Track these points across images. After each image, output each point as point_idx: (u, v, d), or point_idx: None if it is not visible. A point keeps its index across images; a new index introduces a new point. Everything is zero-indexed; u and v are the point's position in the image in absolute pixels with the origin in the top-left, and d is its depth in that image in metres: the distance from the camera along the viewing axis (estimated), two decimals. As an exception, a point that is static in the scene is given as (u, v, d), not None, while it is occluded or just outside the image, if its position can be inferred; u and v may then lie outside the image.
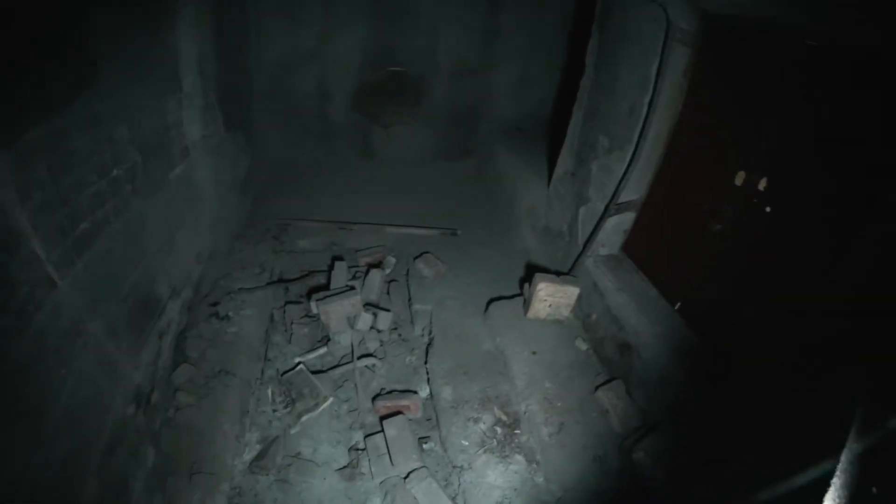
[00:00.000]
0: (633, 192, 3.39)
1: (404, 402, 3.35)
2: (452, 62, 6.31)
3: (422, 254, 4.71)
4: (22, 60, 1.86)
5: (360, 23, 5.88)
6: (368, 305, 4.01)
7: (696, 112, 3.08)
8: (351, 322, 3.76)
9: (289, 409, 3.28)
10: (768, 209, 2.52)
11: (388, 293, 4.36)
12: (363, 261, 4.71)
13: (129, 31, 2.71)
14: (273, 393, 3.42)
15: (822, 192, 2.26)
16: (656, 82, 3.07)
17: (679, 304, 3.14)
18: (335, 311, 3.63)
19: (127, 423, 2.59)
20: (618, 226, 3.57)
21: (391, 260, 4.66)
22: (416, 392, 3.52)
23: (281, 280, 4.40)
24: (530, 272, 4.06)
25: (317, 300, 3.70)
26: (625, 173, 3.33)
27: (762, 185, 2.54)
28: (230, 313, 3.69)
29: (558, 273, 3.75)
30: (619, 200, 3.41)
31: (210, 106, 3.88)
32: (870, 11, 1.93)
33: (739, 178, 2.68)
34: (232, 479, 2.88)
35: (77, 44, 2.19)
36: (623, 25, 3.37)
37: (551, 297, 3.56)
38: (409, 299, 4.32)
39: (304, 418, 3.22)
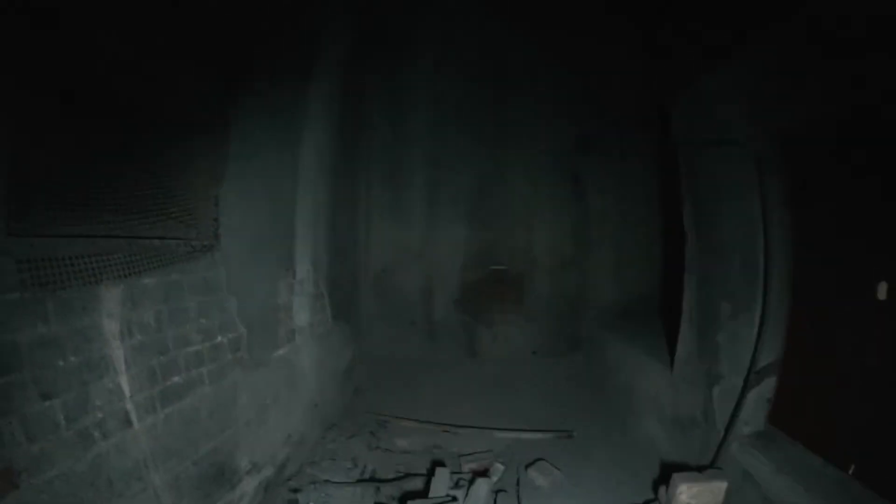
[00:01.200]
0: (770, 352, 2.91)
1: None
2: (550, 254, 6.65)
3: (535, 461, 4.19)
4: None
5: (461, 223, 6.66)
6: None
7: (810, 239, 2.83)
8: None
9: None
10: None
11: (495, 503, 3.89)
12: (467, 467, 4.29)
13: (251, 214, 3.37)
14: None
15: None
16: (765, 225, 2.91)
17: (854, 467, 2.49)
18: None
19: None
20: (759, 396, 2.97)
21: (499, 467, 4.17)
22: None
23: (373, 479, 4.19)
24: (665, 472, 3.36)
25: None
26: (759, 335, 2.93)
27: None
28: None
29: (700, 468, 3.08)
30: (758, 367, 2.96)
31: (320, 295, 4.44)
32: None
33: (882, 291, 2.27)
34: None
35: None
36: (713, 182, 3.35)
37: (695, 499, 2.90)
38: None
39: None
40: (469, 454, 4.51)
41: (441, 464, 4.23)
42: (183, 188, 2.60)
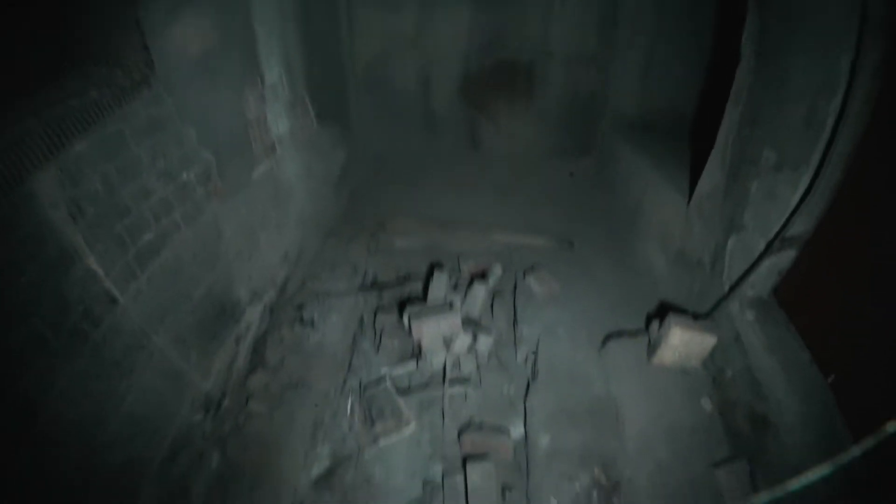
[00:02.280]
0: (805, 223, 2.66)
1: (494, 443, 3.11)
2: (569, 48, 5.74)
3: (534, 267, 4.38)
4: (58, 62, 2.02)
5: (463, 5, 5.60)
6: (468, 322, 3.80)
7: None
8: (446, 342, 3.59)
9: (367, 426, 3.31)
10: None
11: (491, 307, 4.13)
12: (466, 268, 4.53)
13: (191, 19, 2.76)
14: (353, 407, 3.49)
15: None
16: (850, 84, 2.32)
17: (833, 377, 2.52)
18: (430, 330, 3.48)
19: (193, 429, 2.71)
20: (774, 266, 2.85)
21: (497, 270, 4.37)
22: (508, 431, 3.26)
23: (374, 285, 4.44)
24: (661, 309, 3.55)
25: (411, 314, 3.56)
26: (800, 201, 2.64)
27: None
28: (315, 318, 3.77)
29: (695, 315, 3.19)
30: (787, 234, 2.79)
31: (299, 100, 3.98)
32: None
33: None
34: (296, 491, 2.92)
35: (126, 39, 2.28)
36: (797, 3, 2.63)
37: (683, 345, 3.07)
38: (515, 320, 4.03)
39: (381, 442, 3.15)
40: (468, 254, 4.69)
41: (439, 266, 4.43)
42: (88, 22, 2.06)
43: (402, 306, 3.99)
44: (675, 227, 3.91)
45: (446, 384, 3.45)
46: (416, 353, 3.75)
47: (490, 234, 4.91)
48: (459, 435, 3.21)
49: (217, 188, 2.98)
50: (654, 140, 5.17)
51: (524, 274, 4.35)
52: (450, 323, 3.49)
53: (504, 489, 2.96)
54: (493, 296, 4.19)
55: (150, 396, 2.40)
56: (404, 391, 3.53)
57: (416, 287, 4.40)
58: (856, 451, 1.10)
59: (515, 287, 4.31)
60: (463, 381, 3.56)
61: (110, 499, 2.14)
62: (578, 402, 3.22)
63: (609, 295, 4.12)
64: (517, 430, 3.31)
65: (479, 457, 3.04)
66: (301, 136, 4.12)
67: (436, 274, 4.01)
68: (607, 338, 3.59)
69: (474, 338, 3.67)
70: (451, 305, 3.70)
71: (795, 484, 1.08)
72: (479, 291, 4.00)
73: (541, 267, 4.37)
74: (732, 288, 3.10)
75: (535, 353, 3.67)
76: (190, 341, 2.69)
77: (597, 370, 3.43)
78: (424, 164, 6.26)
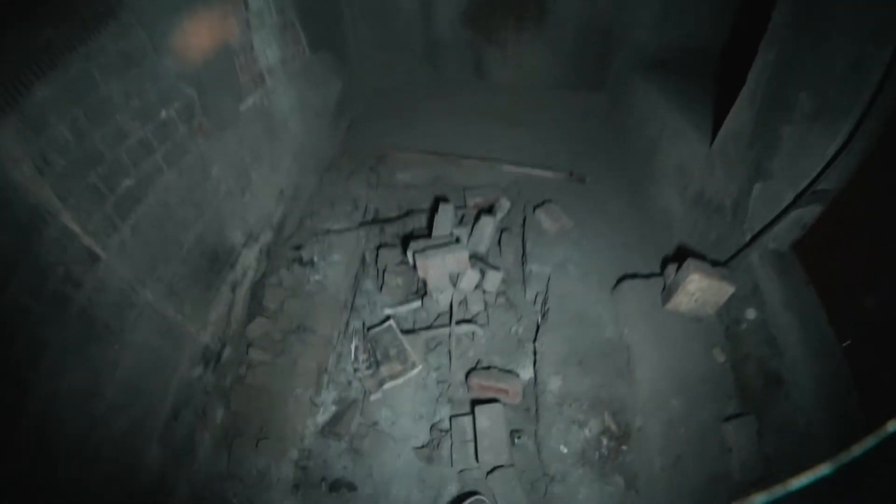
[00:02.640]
0: (834, 178, 2.44)
1: (503, 386, 3.07)
2: None
3: (544, 202, 4.17)
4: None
5: None
6: (475, 258, 3.70)
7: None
8: (453, 279, 3.50)
9: (371, 370, 3.29)
10: None
11: (499, 243, 3.99)
12: (472, 202, 4.35)
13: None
14: (357, 349, 3.47)
15: None
16: None
17: (848, 342, 2.43)
18: (436, 267, 3.35)
19: (193, 385, 2.64)
20: (799, 219, 2.65)
21: (505, 203, 4.21)
22: (517, 374, 3.24)
23: (376, 220, 4.27)
24: (679, 254, 3.34)
25: (415, 250, 3.42)
26: (837, 153, 2.41)
27: None
28: (315, 258, 3.65)
29: (714, 262, 3.01)
30: (818, 187, 2.57)
31: (288, 25, 3.60)
32: None
33: None
34: (302, 440, 2.94)
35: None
36: None
37: (701, 292, 2.95)
38: (524, 256, 3.89)
39: (386, 385, 3.14)
40: (475, 188, 4.48)
41: (444, 199, 4.25)
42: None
43: (405, 242, 3.85)
44: (694, 169, 3.67)
45: (453, 323, 3.39)
46: (421, 291, 3.68)
47: (497, 166, 4.69)
48: (467, 377, 3.19)
49: (201, 125, 2.75)
50: (673, 77, 4.71)
51: (534, 209, 4.17)
52: (457, 258, 3.35)
53: (513, 433, 2.99)
54: (501, 231, 4.05)
55: (146, 357, 2.32)
56: (409, 331, 3.48)
57: (420, 221, 4.26)
58: (856, 450, 1.08)
59: (524, 222, 4.15)
60: (470, 321, 3.50)
61: (113, 466, 2.10)
62: (589, 346, 3.16)
63: (622, 235, 3.96)
64: (526, 373, 3.28)
65: (488, 400, 3.06)
66: (293, 66, 3.80)
67: (441, 207, 3.84)
68: (621, 279, 3.47)
69: (482, 275, 3.56)
70: (457, 240, 3.56)
71: (795, 484, 1.04)
72: (487, 226, 3.86)
73: (551, 202, 4.18)
74: (754, 237, 2.92)
75: (546, 292, 3.58)
76: (183, 293, 2.58)
77: (608, 313, 3.34)
78: (427, 95, 5.85)
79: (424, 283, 3.54)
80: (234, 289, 3.07)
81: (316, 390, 3.13)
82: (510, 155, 4.79)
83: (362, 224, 4.05)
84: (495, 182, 4.55)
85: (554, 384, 3.01)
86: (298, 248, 3.70)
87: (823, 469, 1.02)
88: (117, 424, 2.12)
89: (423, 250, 3.38)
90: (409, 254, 3.48)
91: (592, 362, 3.08)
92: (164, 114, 2.45)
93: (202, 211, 2.76)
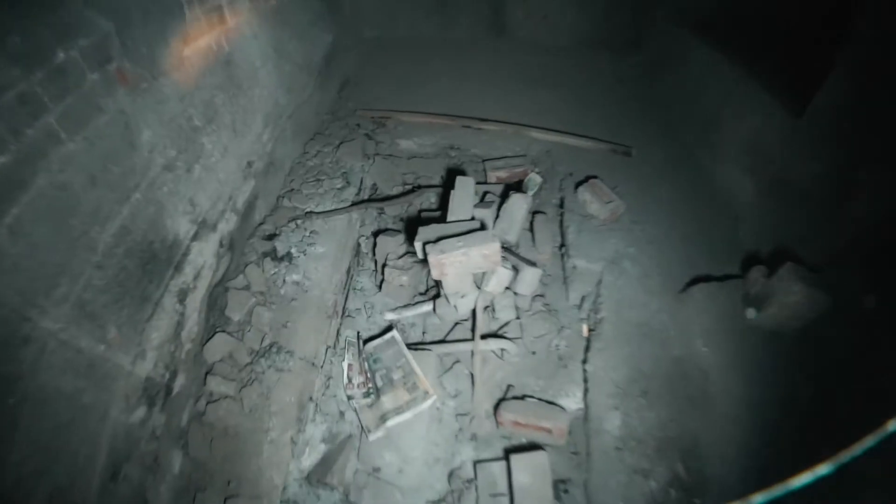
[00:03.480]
0: None
1: (545, 424, 2.37)
2: None
3: (588, 179, 3.35)
4: None
5: None
6: (505, 250, 2.82)
7: None
8: (477, 280, 2.70)
9: (370, 399, 2.52)
10: None
11: (531, 230, 3.19)
12: (495, 176, 3.55)
13: None
14: (350, 371, 2.79)
15: None
16: None
17: None
18: (456, 264, 2.46)
19: (135, 432, 1.98)
20: None
21: (536, 178, 3.40)
22: (560, 404, 2.53)
23: (373, 199, 3.48)
24: (776, 258, 2.46)
25: (426, 241, 2.55)
26: None
27: None
28: (293, 251, 2.89)
29: (813, 269, 2.30)
30: None
31: None
32: None
33: None
34: (284, 490, 2.33)
35: None
36: None
37: (798, 305, 2.26)
38: (564, 248, 3.12)
39: (390, 422, 2.42)
40: (497, 158, 3.69)
41: (461, 172, 3.42)
42: None
43: (410, 227, 3.08)
44: (771, 144, 2.93)
45: (477, 338, 2.62)
46: (434, 291, 2.96)
47: (524, 132, 3.90)
48: (496, 408, 2.49)
49: (123, 72, 1.99)
50: (736, 35, 3.67)
51: (575, 186, 3.35)
52: (484, 253, 2.46)
53: (558, 485, 2.32)
54: (532, 214, 3.26)
55: (59, 406, 1.64)
56: (418, 345, 2.77)
57: (430, 197, 3.50)
58: (856, 449, 1.04)
59: (562, 203, 3.36)
60: (498, 333, 2.77)
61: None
62: (654, 368, 2.46)
63: (680, 224, 3.16)
64: (572, 402, 2.56)
65: (526, 447, 2.39)
66: (266, 6, 3.03)
67: (459, 182, 2.99)
68: (690, 283, 2.74)
69: (515, 273, 2.76)
70: (481, 226, 2.71)
71: (796, 483, 1.02)
72: (519, 206, 3.03)
73: (598, 179, 3.35)
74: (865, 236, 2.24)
75: (596, 296, 2.84)
76: (104, 312, 1.83)
77: (677, 325, 2.61)
78: (436, 52, 4.91)
79: (437, 284, 2.76)
80: (182, 298, 2.35)
81: (298, 425, 2.45)
82: (537, 121, 3.96)
83: (356, 204, 3.29)
84: (521, 152, 3.76)
85: (612, 422, 2.32)
86: (272, 237, 2.95)
87: (823, 469, 1.00)
88: (33, 499, 1.51)
89: (438, 241, 2.50)
90: (418, 245, 2.64)
91: (659, 390, 2.39)
92: (61, 56, 1.71)
93: (126, 194, 2.00)
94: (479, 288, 2.68)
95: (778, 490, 1.04)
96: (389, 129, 3.91)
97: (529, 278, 2.77)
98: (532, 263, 2.82)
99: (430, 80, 4.49)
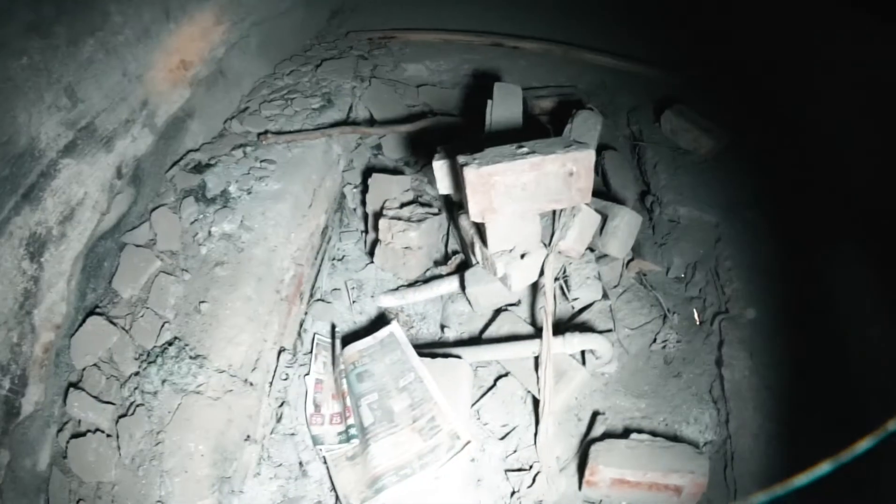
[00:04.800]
0: None
1: (672, 479, 1.36)
2: None
3: (670, 102, 2.43)
4: None
5: None
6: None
7: None
8: (543, 235, 1.68)
9: (351, 445, 1.50)
10: None
11: (601, 173, 2.23)
12: (539, 107, 2.59)
13: None
14: (318, 389, 1.75)
15: None
16: None
17: None
18: (514, 191, 1.40)
19: None
20: None
21: (594, 114, 2.47)
22: (683, 437, 1.55)
23: (359, 122, 2.45)
24: None
25: (454, 156, 1.50)
26: None
27: None
28: (231, 188, 1.85)
29: None
30: None
31: None
32: None
33: None
34: None
35: None
36: None
37: None
38: (651, 195, 2.17)
39: (387, 491, 1.35)
40: (536, 88, 2.76)
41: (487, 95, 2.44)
42: None
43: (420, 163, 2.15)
44: None
45: (547, 329, 1.49)
46: (460, 258, 1.98)
47: (574, 53, 2.96)
48: (583, 455, 1.46)
49: None
50: None
51: (656, 113, 2.41)
52: (567, 163, 1.37)
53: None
54: (598, 153, 2.24)
55: None
56: (434, 347, 1.74)
57: (446, 123, 2.48)
58: (856, 449, 0.95)
59: (639, 136, 2.41)
60: (577, 321, 1.75)
61: None
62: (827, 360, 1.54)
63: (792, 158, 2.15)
64: (700, 433, 1.57)
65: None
66: None
67: (499, 89, 1.98)
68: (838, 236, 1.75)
69: (603, 221, 1.76)
70: (530, 150, 1.45)
71: (796, 482, 0.93)
72: (591, 124, 2.00)
73: (682, 104, 2.41)
74: None
75: (718, 256, 1.88)
76: None
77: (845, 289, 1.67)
78: None
79: (469, 244, 1.75)
80: (37, 251, 1.43)
81: (223, 485, 1.42)
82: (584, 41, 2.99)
83: (338, 125, 2.28)
84: (570, 82, 2.82)
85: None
86: (202, 168, 1.92)
87: (823, 469, 0.94)
88: None
89: (482, 150, 1.42)
90: (440, 165, 1.63)
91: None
92: None
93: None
94: (546, 245, 1.62)
95: (779, 490, 0.94)
96: (392, 51, 2.94)
97: (626, 227, 1.72)
98: (623, 203, 1.78)
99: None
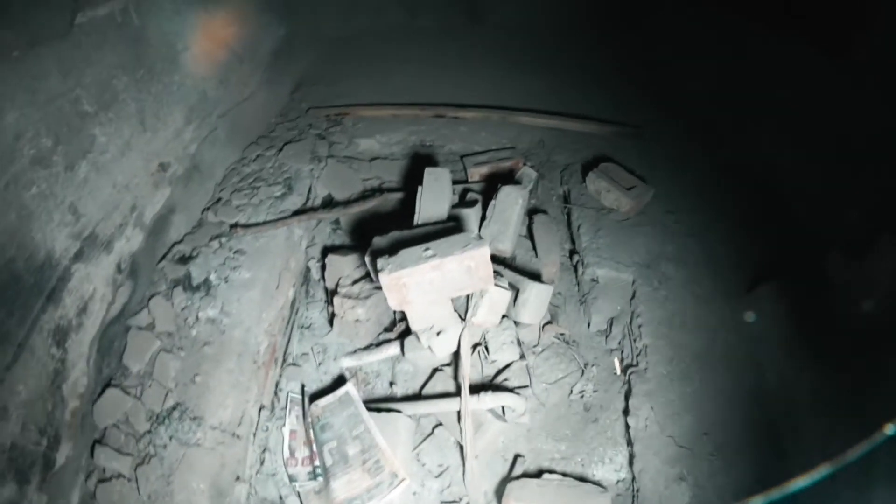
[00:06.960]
0: None
1: None
2: None
3: (597, 162, 2.86)
4: None
5: None
6: (497, 263, 2.28)
7: None
8: (460, 308, 2.09)
9: (318, 483, 1.96)
10: None
11: (528, 235, 2.63)
12: (478, 173, 2.97)
13: None
14: (293, 437, 2.32)
15: None
16: None
17: None
18: (423, 285, 1.84)
19: None
20: None
21: (530, 172, 2.83)
22: (594, 479, 1.95)
23: (316, 207, 2.86)
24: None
25: (376, 250, 2.02)
26: None
27: None
28: (212, 276, 2.31)
29: None
30: None
31: None
32: None
33: None
34: None
35: None
36: None
37: None
38: (576, 255, 2.57)
39: None
40: (478, 153, 3.15)
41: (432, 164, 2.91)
42: None
43: (368, 241, 2.56)
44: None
45: (464, 391, 1.91)
46: (404, 326, 2.29)
47: (513, 119, 3.35)
48: (500, 492, 1.85)
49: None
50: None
51: (583, 172, 2.83)
52: (465, 260, 1.80)
53: None
54: (529, 216, 2.67)
55: None
56: (381, 402, 2.17)
57: (390, 201, 2.90)
58: (856, 452, 1.13)
59: (568, 198, 2.82)
60: (497, 380, 2.14)
61: None
62: (727, 409, 1.94)
63: (718, 209, 2.67)
64: (612, 472, 1.98)
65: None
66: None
67: (429, 174, 2.42)
68: (755, 282, 2.23)
69: (514, 294, 2.14)
70: (453, 227, 2.13)
71: (795, 485, 1.11)
72: (513, 200, 2.41)
73: (611, 161, 2.90)
74: None
75: (631, 316, 2.27)
76: None
77: (745, 342, 2.12)
78: (404, 44, 4.43)
79: (403, 318, 2.16)
80: (61, 339, 1.89)
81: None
82: (524, 107, 3.43)
83: (297, 213, 2.76)
84: (509, 144, 3.21)
85: (678, 499, 1.86)
86: (187, 260, 2.37)
87: (823, 469, 1.08)
88: None
89: (397, 253, 1.85)
90: (369, 261, 2.04)
91: (737, 442, 1.86)
92: None
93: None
94: (462, 319, 2.02)
95: (777, 492, 1.09)
96: (347, 127, 3.36)
97: (535, 299, 2.10)
98: (536, 278, 2.20)
99: (397, 73, 3.90)
